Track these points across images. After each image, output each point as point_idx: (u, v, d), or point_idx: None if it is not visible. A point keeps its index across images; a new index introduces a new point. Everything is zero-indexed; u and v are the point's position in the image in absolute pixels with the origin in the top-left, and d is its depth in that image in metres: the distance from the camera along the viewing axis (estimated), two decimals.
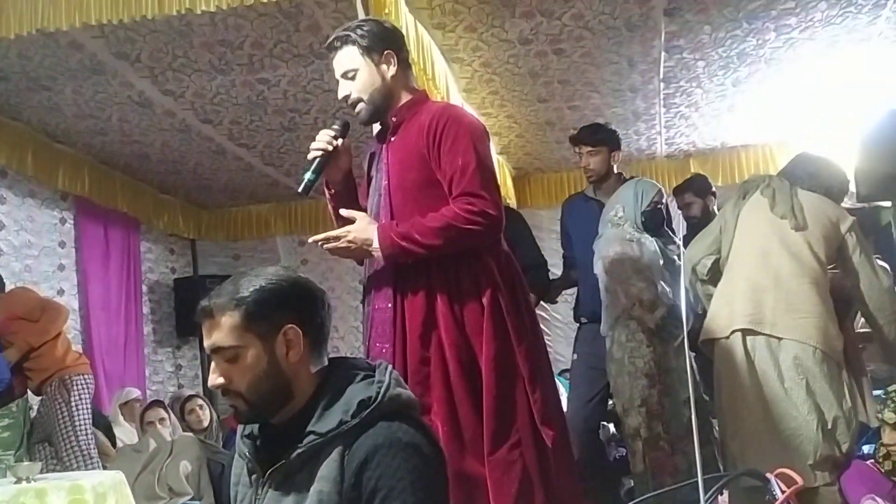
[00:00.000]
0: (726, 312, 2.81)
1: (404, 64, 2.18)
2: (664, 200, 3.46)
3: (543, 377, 2.12)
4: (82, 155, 5.25)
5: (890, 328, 2.84)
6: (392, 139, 2.17)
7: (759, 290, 2.74)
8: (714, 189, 4.47)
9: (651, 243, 3.34)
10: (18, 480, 2.97)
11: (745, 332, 2.73)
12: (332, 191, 2.25)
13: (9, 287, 4.29)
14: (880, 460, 2.79)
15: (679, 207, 4.50)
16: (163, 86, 4.31)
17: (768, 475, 1.54)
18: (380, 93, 2.13)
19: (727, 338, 2.78)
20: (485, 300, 2.02)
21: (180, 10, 3.10)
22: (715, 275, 3.00)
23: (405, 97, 2.16)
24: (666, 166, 6.40)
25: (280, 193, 6.31)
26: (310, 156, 2.14)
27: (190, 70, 4.13)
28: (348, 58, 2.13)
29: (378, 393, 1.38)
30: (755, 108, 5.33)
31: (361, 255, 2.09)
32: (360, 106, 2.15)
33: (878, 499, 2.68)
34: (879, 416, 2.78)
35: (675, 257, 3.37)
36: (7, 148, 4.65)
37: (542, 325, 6.85)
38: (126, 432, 4.63)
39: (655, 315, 3.23)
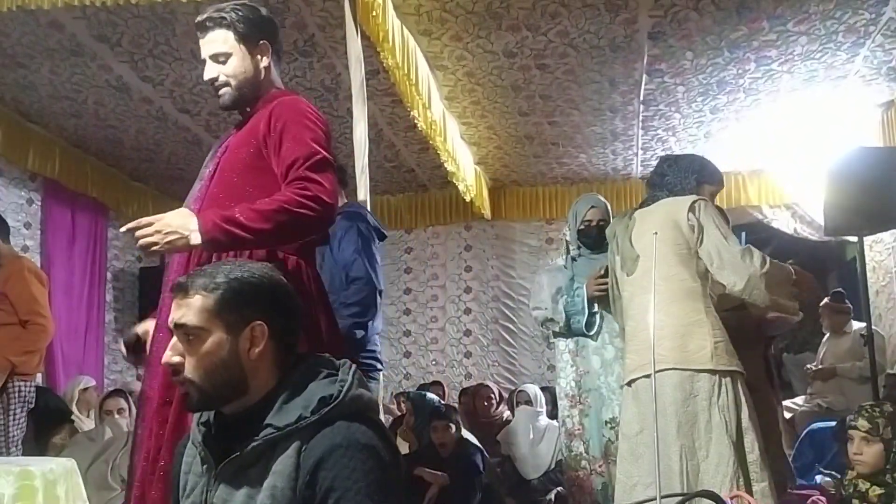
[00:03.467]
0: (625, 366, 2.78)
1: (276, 57, 2.10)
2: (602, 216, 3.49)
3: None
4: (55, 136, 5.17)
5: (760, 298, 2.58)
6: (240, 131, 2.08)
7: (632, 339, 2.68)
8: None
9: (562, 268, 3.49)
10: None
11: (631, 383, 2.68)
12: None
13: None
14: (844, 482, 2.78)
15: None
16: (142, 72, 4.26)
17: (724, 497, 1.56)
18: (249, 82, 2.04)
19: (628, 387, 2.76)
20: None
21: None
22: None
23: (270, 92, 2.07)
24: (640, 187, 6.46)
25: None
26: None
27: (171, 58, 4.09)
28: (221, 40, 2.02)
29: (340, 392, 1.37)
30: (731, 137, 5.42)
31: (178, 246, 1.80)
32: (226, 90, 2.04)
33: None
34: (853, 423, 2.74)
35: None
36: None
37: (508, 338, 6.91)
38: (79, 421, 4.55)
39: (548, 327, 3.44)
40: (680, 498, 1.85)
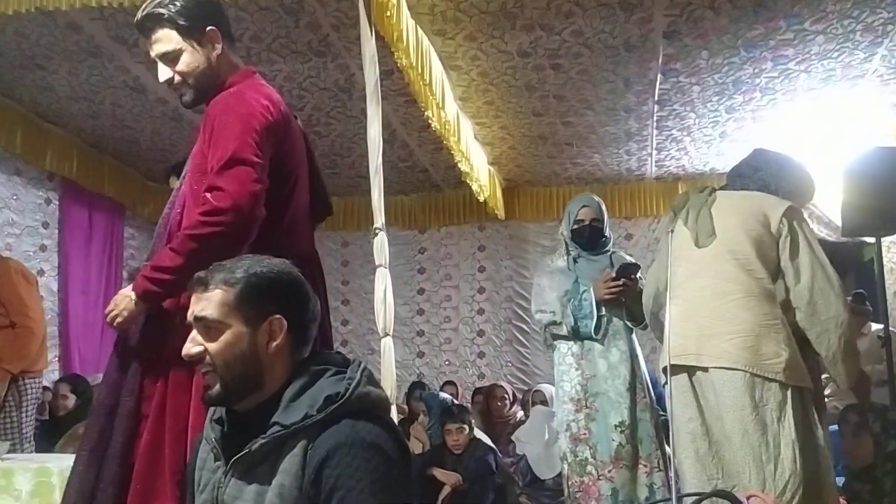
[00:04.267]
0: (664, 350, 2.55)
1: (228, 38, 1.98)
2: (595, 216, 3.47)
3: None
4: (72, 137, 5.22)
5: (828, 340, 2.34)
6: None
7: (683, 320, 2.45)
8: None
9: (565, 270, 3.44)
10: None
11: (678, 370, 2.44)
12: None
13: None
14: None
15: None
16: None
17: (741, 497, 1.55)
18: (205, 75, 1.93)
19: (664, 375, 2.52)
20: None
21: None
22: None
23: (229, 78, 1.97)
24: (655, 188, 6.45)
25: None
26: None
27: None
28: (166, 39, 1.90)
29: (347, 389, 1.36)
30: (747, 136, 5.38)
31: (133, 310, 1.84)
32: (185, 90, 1.96)
33: None
34: (843, 418, 2.58)
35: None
36: None
37: (521, 338, 6.88)
38: None
39: (550, 330, 3.42)
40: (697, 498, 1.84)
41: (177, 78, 1.94)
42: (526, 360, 6.59)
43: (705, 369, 2.35)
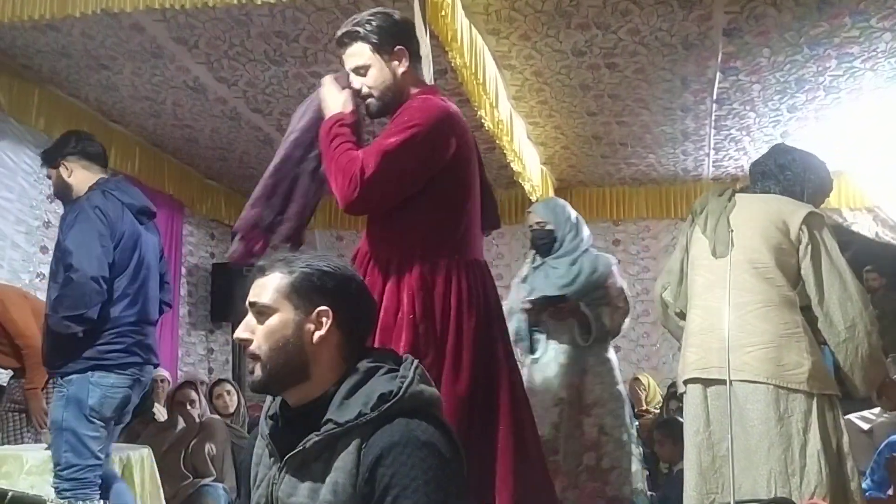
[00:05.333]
0: (683, 361, 2.51)
1: (415, 58, 2.15)
2: (539, 218, 3.38)
3: None
4: (135, 136, 5.36)
5: (845, 349, 2.30)
6: None
7: (704, 332, 2.41)
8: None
9: (519, 284, 3.38)
10: (49, 447, 3.04)
11: (694, 381, 2.40)
12: None
13: None
14: None
15: None
16: (217, 73, 4.38)
17: None
18: (390, 90, 2.10)
19: (685, 387, 2.48)
20: None
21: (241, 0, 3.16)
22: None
23: (410, 94, 2.12)
24: (712, 189, 6.31)
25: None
26: None
27: (245, 59, 4.19)
28: (359, 54, 2.10)
29: (400, 388, 1.36)
30: (810, 136, 5.23)
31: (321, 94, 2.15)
32: (371, 101, 2.12)
33: None
34: None
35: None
36: (63, 124, 4.75)
37: None
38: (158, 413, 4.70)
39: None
40: None
41: (365, 89, 2.10)
42: None
43: (728, 383, 2.30)
